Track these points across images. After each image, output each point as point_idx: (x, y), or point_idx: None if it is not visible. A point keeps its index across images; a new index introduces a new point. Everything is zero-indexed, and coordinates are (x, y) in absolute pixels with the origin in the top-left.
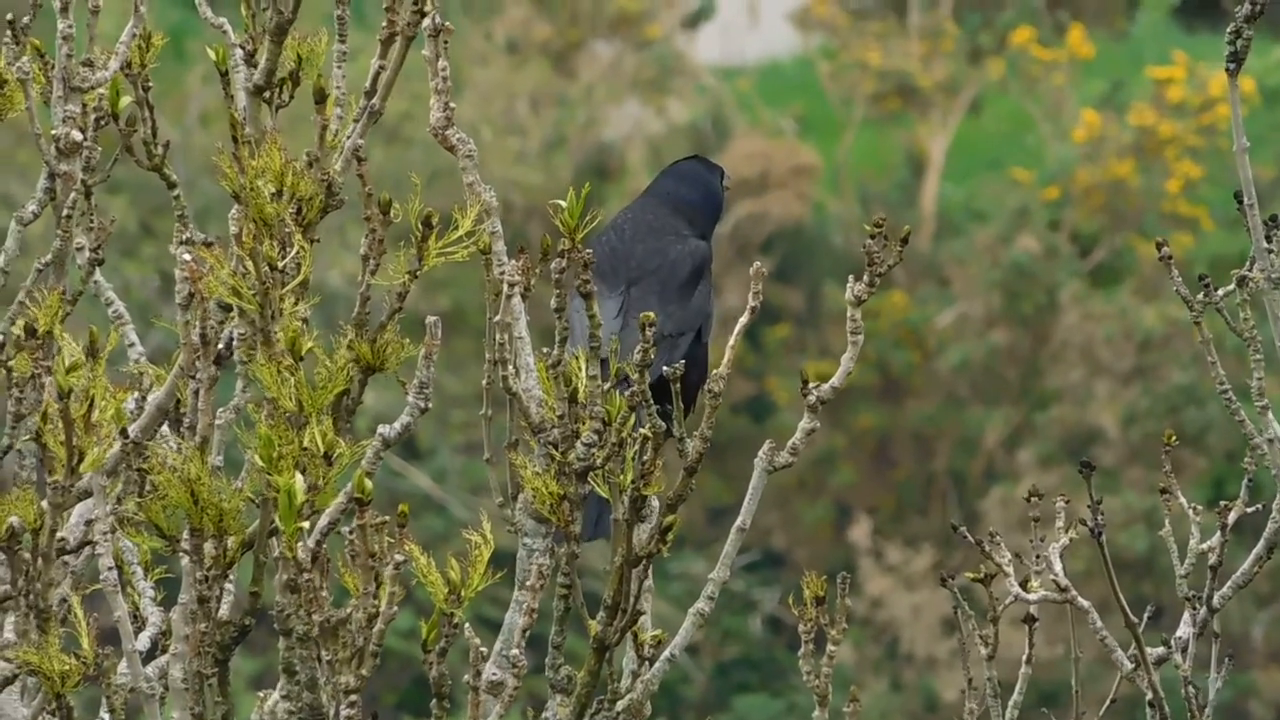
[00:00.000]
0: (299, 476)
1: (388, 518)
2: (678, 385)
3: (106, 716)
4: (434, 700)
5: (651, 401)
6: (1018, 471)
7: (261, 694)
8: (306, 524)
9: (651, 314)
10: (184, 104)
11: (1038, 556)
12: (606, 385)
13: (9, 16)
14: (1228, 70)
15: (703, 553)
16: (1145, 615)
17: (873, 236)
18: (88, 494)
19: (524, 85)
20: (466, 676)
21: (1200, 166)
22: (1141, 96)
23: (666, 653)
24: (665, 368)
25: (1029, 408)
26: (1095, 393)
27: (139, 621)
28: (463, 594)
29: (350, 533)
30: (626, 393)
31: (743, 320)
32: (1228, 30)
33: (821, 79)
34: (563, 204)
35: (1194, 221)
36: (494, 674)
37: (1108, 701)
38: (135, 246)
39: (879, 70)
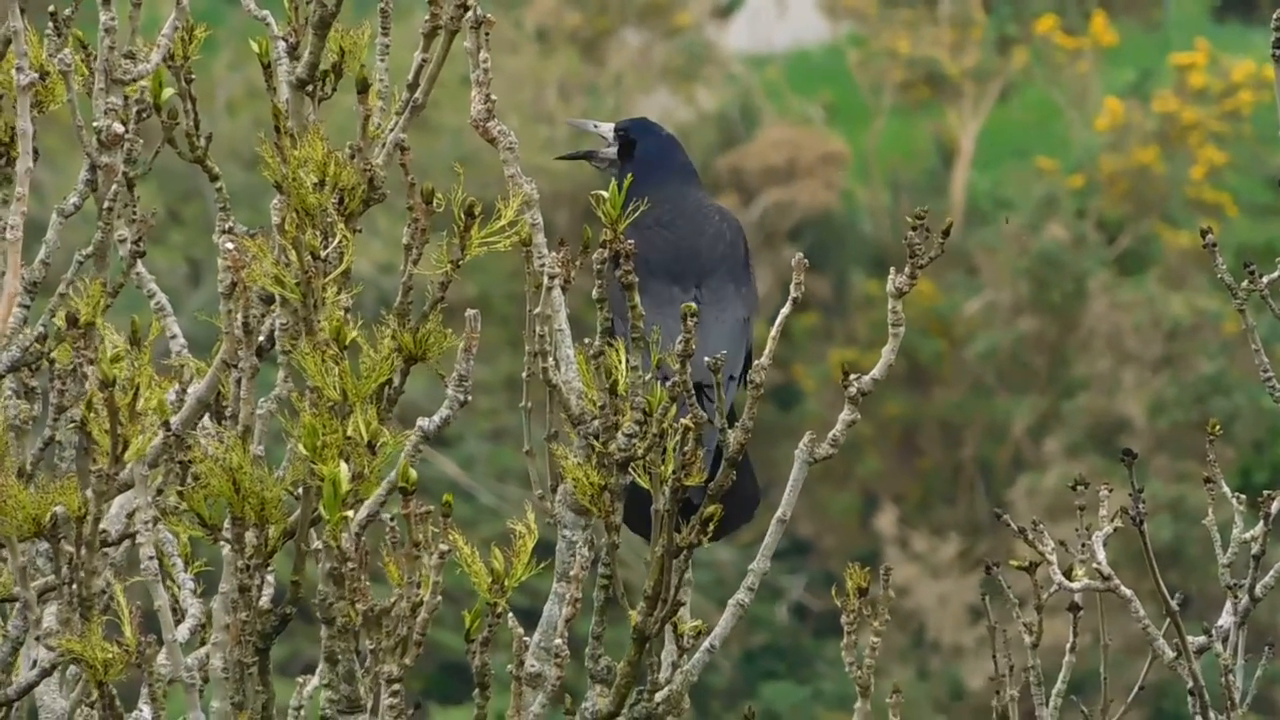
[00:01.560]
0: (343, 465)
1: (431, 508)
2: (719, 376)
3: (145, 708)
4: (476, 690)
5: (693, 392)
6: (1045, 461)
7: (301, 679)
8: (351, 513)
9: (693, 304)
10: (211, 91)
11: (1083, 545)
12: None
13: (50, 8)
14: (1274, 57)
15: (729, 541)
16: (1175, 604)
17: (914, 229)
18: (129, 486)
19: (553, 73)
20: (510, 666)
21: (1224, 153)
22: (1168, 84)
23: (706, 644)
24: (706, 358)
25: (1056, 396)
26: (1123, 381)
27: (178, 613)
28: (506, 584)
29: (391, 519)
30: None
31: (784, 311)
32: (1275, 16)
33: (850, 67)
34: (604, 194)
35: (1218, 208)
36: (533, 666)
37: (1136, 688)
38: (163, 234)
39: (908, 58)
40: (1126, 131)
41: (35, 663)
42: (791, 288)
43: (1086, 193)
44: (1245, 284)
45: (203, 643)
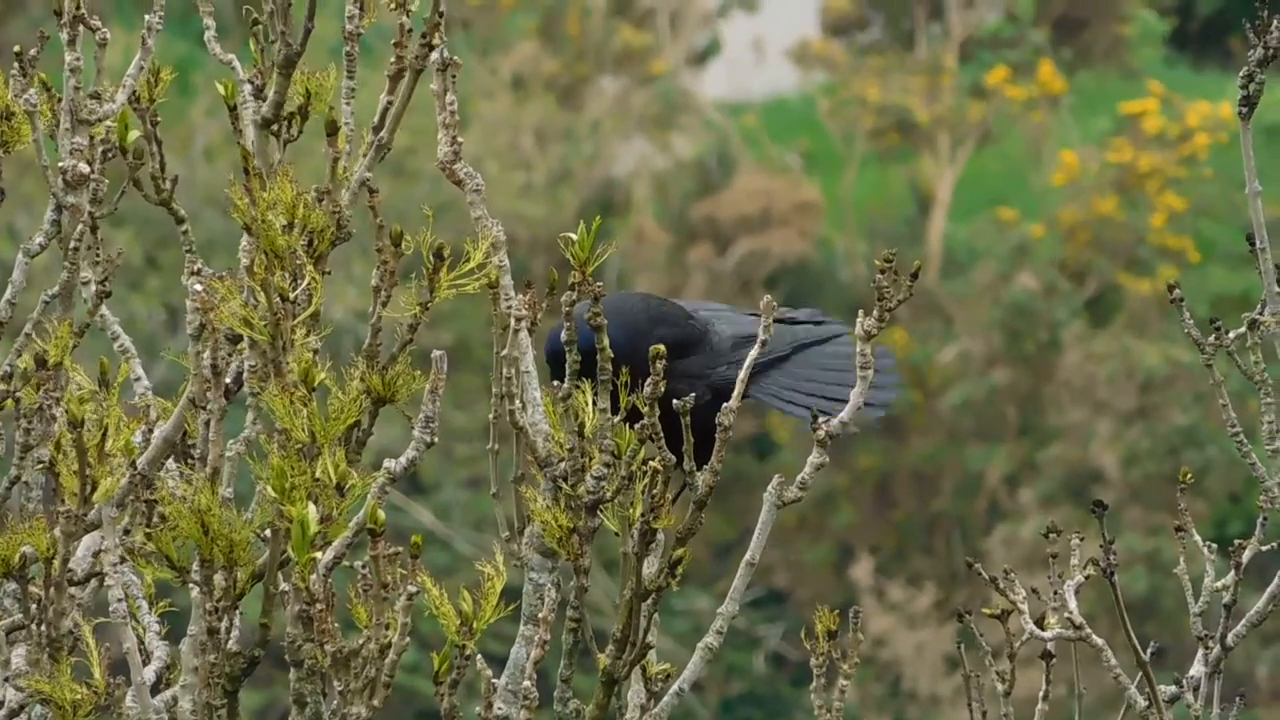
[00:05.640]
0: (311, 507)
1: (400, 549)
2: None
3: None
4: None
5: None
6: (1020, 511)
7: None
8: (319, 555)
9: (663, 347)
10: (189, 138)
11: (1055, 593)
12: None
13: (16, 48)
14: (1240, 114)
15: (708, 590)
16: (1149, 654)
17: (883, 272)
18: (94, 526)
19: (529, 120)
20: (478, 709)
21: (1184, 199)
22: (1129, 132)
23: (675, 687)
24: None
25: (1030, 447)
26: (1097, 432)
27: (144, 654)
28: (475, 626)
29: (361, 566)
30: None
31: (752, 354)
32: (1240, 75)
33: (821, 115)
34: (573, 236)
35: (1181, 253)
36: (500, 709)
37: None
38: (141, 279)
39: (878, 106)
40: (1084, 182)
41: (2, 703)
42: (760, 330)
43: (1054, 242)
44: (1211, 338)
45: (167, 684)
